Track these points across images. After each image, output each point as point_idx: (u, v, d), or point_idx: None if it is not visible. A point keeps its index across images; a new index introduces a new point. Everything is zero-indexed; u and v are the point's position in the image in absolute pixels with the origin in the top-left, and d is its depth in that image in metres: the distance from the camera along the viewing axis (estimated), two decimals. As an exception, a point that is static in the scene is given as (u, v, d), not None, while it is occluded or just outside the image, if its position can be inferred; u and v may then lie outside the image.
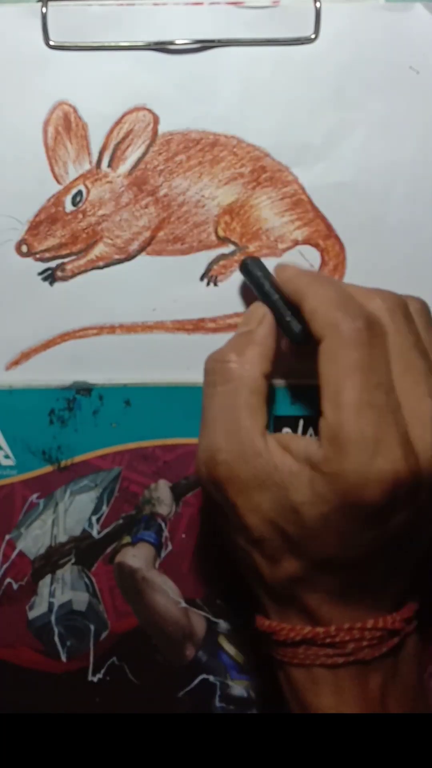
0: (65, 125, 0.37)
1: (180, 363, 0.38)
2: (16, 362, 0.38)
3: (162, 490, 0.38)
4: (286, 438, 0.31)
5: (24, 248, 0.37)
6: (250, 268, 0.35)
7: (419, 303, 0.32)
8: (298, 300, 0.32)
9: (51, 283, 0.38)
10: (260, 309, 0.34)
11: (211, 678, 0.38)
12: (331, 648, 0.30)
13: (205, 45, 0.36)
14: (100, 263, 0.38)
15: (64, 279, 0.38)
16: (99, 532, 0.38)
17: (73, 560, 0.38)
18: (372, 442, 0.28)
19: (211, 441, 0.31)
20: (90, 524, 0.38)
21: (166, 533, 0.38)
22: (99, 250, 0.38)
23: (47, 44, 0.36)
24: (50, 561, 0.38)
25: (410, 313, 0.31)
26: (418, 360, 0.30)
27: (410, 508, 0.29)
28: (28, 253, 0.37)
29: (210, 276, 0.38)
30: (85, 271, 0.38)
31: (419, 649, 0.33)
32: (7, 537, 0.38)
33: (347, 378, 0.29)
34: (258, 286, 0.35)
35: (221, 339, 0.35)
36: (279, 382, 0.37)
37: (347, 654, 0.30)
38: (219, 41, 0.36)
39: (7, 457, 0.38)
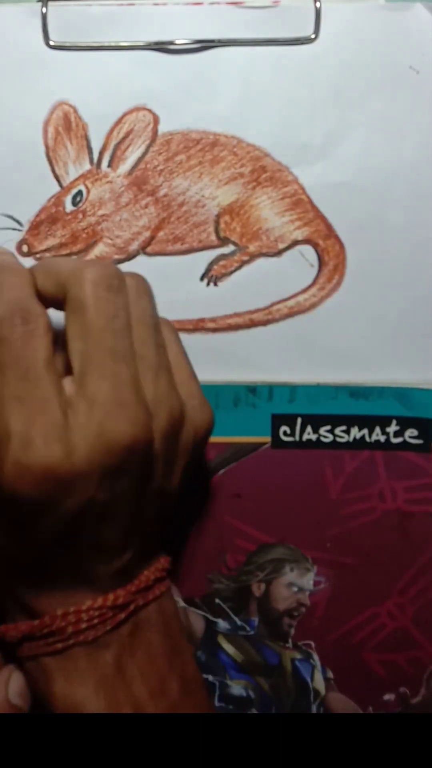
0: (65, 125, 0.37)
1: (180, 363, 0.38)
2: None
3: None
4: None
5: (24, 248, 0.37)
6: None
7: (117, 271, 0.30)
8: None
9: (51, 283, 0.38)
10: None
11: (210, 677, 0.38)
12: (51, 636, 0.30)
13: (205, 45, 0.37)
14: (100, 263, 0.38)
15: (64, 279, 0.38)
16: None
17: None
18: (22, 436, 0.27)
19: None
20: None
21: (165, 532, 0.38)
22: (99, 250, 0.38)
23: (47, 44, 0.36)
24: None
25: (115, 285, 0.30)
26: (109, 340, 0.28)
27: (67, 505, 0.28)
28: (29, 253, 0.37)
29: (210, 276, 0.38)
30: (85, 270, 0.38)
31: (168, 614, 0.32)
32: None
33: None
34: None
35: (221, 339, 0.36)
36: (277, 381, 0.37)
37: (66, 638, 0.29)
38: (219, 41, 0.36)
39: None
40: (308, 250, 0.38)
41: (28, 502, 0.27)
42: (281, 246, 0.38)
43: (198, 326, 0.38)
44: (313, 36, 0.37)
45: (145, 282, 0.32)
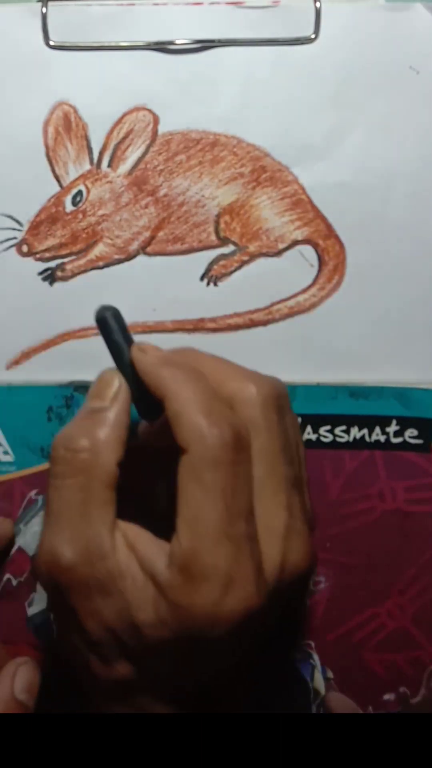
0: (65, 125, 0.37)
1: (180, 362, 0.38)
2: (16, 361, 0.38)
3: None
4: (134, 532, 0.28)
5: (24, 248, 0.37)
6: (108, 322, 0.30)
7: (284, 388, 0.30)
8: (160, 396, 0.29)
9: (51, 283, 0.38)
10: (115, 380, 0.30)
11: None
12: None
13: (205, 45, 0.37)
14: (100, 263, 0.38)
15: (64, 279, 0.38)
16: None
17: (72, 559, 0.38)
18: (225, 578, 0.26)
19: (54, 542, 0.28)
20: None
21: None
22: (99, 250, 0.38)
23: (47, 44, 0.36)
24: (50, 560, 0.38)
25: (282, 405, 0.30)
26: (282, 467, 0.28)
27: (255, 630, 0.28)
28: (29, 253, 0.38)
29: (210, 276, 0.38)
30: (85, 271, 0.38)
31: None
32: (7, 535, 0.38)
33: (209, 503, 0.26)
34: (115, 348, 0.30)
35: (221, 339, 0.36)
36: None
37: None
38: (219, 41, 0.37)
39: (6, 453, 0.38)
40: (308, 250, 0.38)
41: (217, 645, 0.27)
42: (281, 246, 0.38)
43: (198, 326, 0.38)
44: (313, 36, 0.37)
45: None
